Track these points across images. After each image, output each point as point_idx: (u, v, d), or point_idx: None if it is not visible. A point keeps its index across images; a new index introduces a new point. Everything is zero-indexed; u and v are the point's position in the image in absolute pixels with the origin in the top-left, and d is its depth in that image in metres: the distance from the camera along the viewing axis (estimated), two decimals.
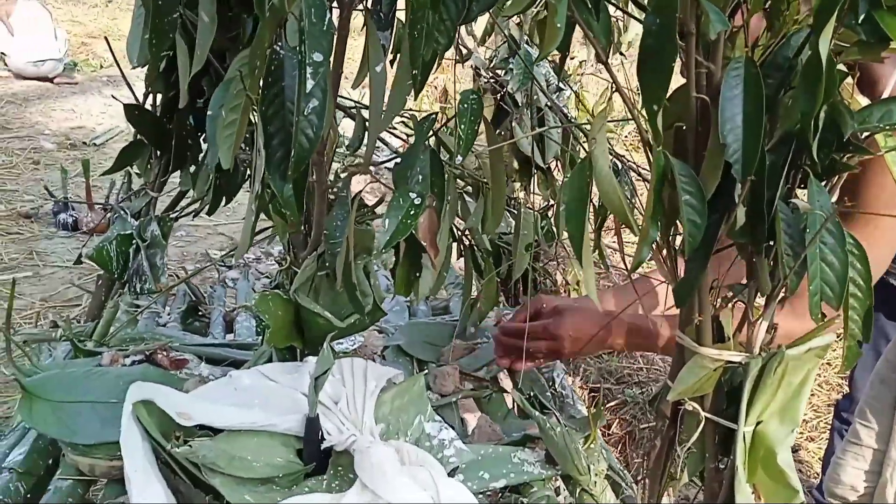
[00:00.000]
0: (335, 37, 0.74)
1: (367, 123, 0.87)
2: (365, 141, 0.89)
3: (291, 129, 0.68)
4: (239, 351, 1.37)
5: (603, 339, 1.21)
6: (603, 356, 3.10)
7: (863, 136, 0.89)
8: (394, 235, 0.79)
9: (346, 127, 1.36)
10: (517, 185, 1.94)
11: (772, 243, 0.85)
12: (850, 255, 0.84)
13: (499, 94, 1.90)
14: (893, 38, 0.79)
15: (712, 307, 0.93)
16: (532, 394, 1.32)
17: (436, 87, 4.72)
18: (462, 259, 1.56)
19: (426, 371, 1.36)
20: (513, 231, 1.51)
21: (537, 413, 1.10)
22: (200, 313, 1.66)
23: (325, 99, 0.69)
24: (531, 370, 1.47)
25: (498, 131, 1.94)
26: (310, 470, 0.93)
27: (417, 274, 0.95)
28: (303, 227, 1.11)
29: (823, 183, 0.87)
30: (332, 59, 0.80)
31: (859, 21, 0.80)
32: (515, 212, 1.54)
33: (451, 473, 0.96)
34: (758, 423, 0.91)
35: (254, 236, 0.97)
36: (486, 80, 1.95)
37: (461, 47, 1.96)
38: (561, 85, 1.90)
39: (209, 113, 0.77)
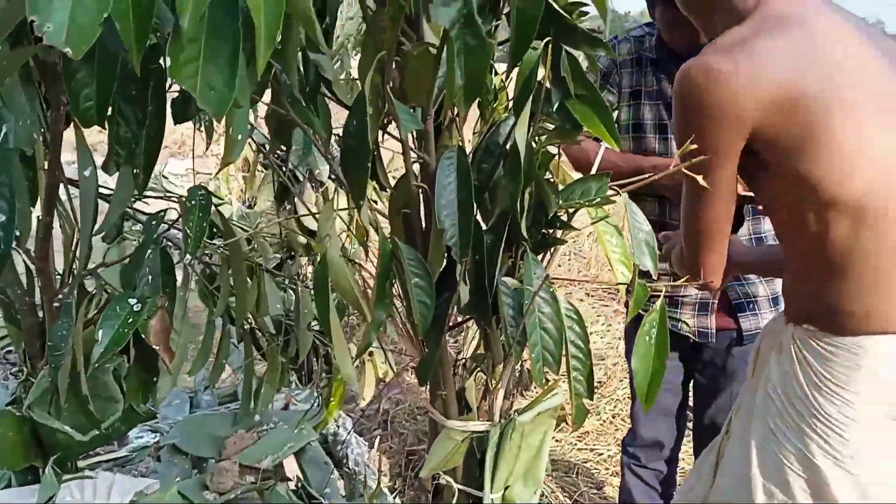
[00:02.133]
0: (34, 137, 0.71)
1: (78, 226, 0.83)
2: (81, 249, 0.84)
3: None
4: None
5: None
6: (418, 417, 3.12)
7: (574, 211, 0.99)
8: (108, 346, 0.75)
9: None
10: (304, 259, 1.93)
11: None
12: (569, 320, 0.92)
13: (283, 170, 1.90)
14: (584, 124, 0.90)
15: (457, 380, 0.97)
16: (301, 485, 1.29)
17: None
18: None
19: (205, 464, 1.30)
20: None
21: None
22: None
23: (14, 213, 0.65)
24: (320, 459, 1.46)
25: (283, 206, 1.94)
26: None
27: (155, 379, 0.91)
28: (42, 337, 1.03)
29: (540, 256, 0.96)
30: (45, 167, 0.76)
31: (554, 110, 0.90)
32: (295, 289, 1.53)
33: None
34: (506, 488, 0.96)
35: None
36: (268, 157, 1.94)
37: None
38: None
39: None
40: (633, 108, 1.79)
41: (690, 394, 2.12)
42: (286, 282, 1.52)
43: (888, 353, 1.00)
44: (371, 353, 2.10)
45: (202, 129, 1.65)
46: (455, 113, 0.90)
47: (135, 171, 0.79)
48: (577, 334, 0.93)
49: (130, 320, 0.76)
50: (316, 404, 1.55)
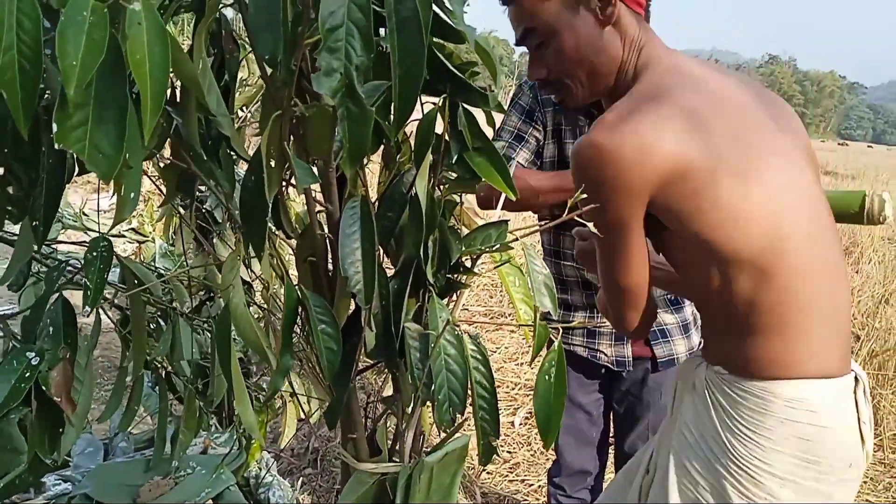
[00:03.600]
0: None
1: None
2: None
3: None
4: None
5: None
6: None
7: (477, 256, 1.03)
8: (5, 401, 0.74)
9: None
10: (223, 301, 1.91)
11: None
12: (474, 360, 0.95)
13: (202, 211, 1.89)
14: (481, 174, 0.94)
15: (368, 423, 0.99)
16: None
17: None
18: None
19: None
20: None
21: None
22: None
23: None
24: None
25: (201, 247, 1.93)
26: None
27: (61, 430, 0.89)
28: None
29: (446, 300, 0.99)
30: None
31: (454, 161, 0.94)
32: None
33: None
34: None
35: None
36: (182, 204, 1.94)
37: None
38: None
39: None
40: (557, 144, 1.86)
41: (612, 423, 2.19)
42: (203, 324, 1.51)
43: (794, 397, 1.05)
44: (292, 394, 2.09)
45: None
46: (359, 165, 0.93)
47: (34, 223, 0.78)
48: (482, 374, 0.96)
49: (28, 374, 0.76)
50: (236, 447, 1.53)
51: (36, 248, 0.84)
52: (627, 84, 1.11)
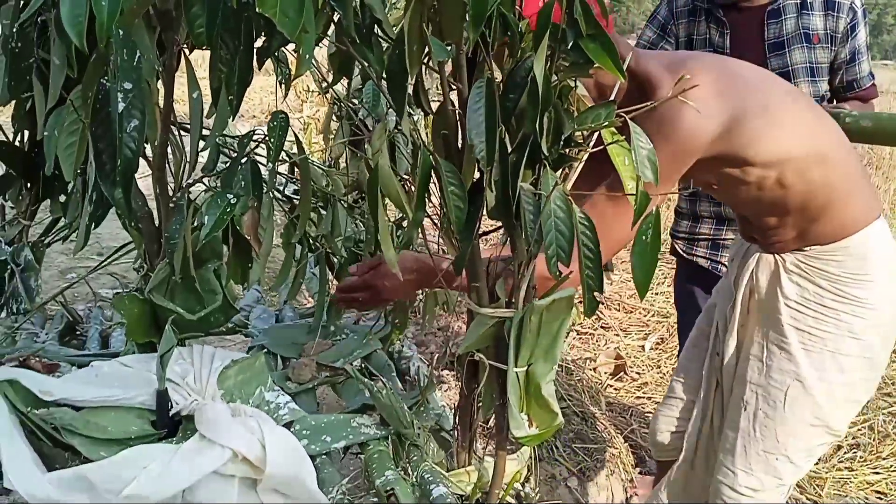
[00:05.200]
0: (154, 69, 0.94)
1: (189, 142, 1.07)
2: (190, 157, 1.08)
3: (117, 144, 0.87)
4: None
5: (410, 284, 1.41)
6: None
7: (588, 135, 1.16)
8: (213, 227, 0.98)
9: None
10: None
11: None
12: (582, 226, 1.09)
13: (354, 121, 2.12)
14: (594, 59, 1.06)
15: (490, 279, 1.17)
16: (364, 366, 1.52)
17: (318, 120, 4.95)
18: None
19: (288, 363, 1.55)
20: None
21: (367, 380, 1.30)
22: (78, 332, 1.78)
23: (144, 119, 0.88)
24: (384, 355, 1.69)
25: (357, 153, 2.17)
26: (162, 435, 1.10)
27: (250, 265, 1.14)
28: (158, 240, 1.29)
29: (561, 174, 1.13)
30: (161, 87, 1.00)
31: (570, 47, 1.07)
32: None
33: (288, 427, 1.15)
34: (529, 366, 1.14)
35: (89, 235, 1.13)
36: (343, 108, 2.17)
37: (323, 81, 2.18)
38: (410, 111, 2.14)
39: (45, 134, 0.95)
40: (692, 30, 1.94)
41: None
42: (357, 216, 1.74)
43: (881, 230, 1.40)
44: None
45: (282, 83, 1.87)
46: (487, 50, 1.08)
47: (230, 97, 1.01)
48: (588, 238, 1.09)
49: (228, 210, 0.99)
50: (382, 321, 1.78)
51: (231, 119, 1.07)
52: None
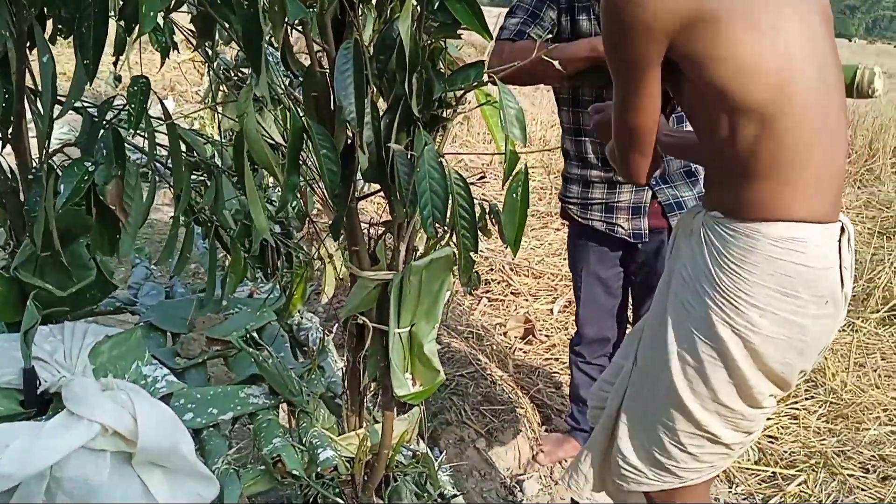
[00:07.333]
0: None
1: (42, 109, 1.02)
2: (44, 125, 1.03)
3: None
4: None
5: None
6: None
7: (461, 94, 1.17)
8: (70, 196, 0.95)
9: None
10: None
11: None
12: (457, 186, 1.11)
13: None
14: (461, 20, 1.07)
15: (370, 243, 1.17)
16: (250, 336, 1.51)
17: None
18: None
19: (177, 338, 1.52)
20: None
21: (254, 350, 1.29)
22: None
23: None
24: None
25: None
26: (31, 415, 1.06)
27: (118, 236, 1.10)
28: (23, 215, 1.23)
29: (435, 136, 1.14)
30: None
31: (436, 8, 1.07)
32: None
33: (167, 401, 1.13)
34: (412, 326, 1.16)
35: None
36: (232, 78, 2.12)
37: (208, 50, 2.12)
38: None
39: None
40: (570, 20, 1.95)
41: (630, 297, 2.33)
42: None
43: (780, 237, 1.17)
44: (331, 257, 2.31)
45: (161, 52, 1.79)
46: (355, 12, 1.07)
47: (85, 61, 0.97)
48: (463, 198, 1.11)
49: (86, 178, 0.96)
50: (276, 293, 1.76)
51: (88, 84, 1.03)
52: None
